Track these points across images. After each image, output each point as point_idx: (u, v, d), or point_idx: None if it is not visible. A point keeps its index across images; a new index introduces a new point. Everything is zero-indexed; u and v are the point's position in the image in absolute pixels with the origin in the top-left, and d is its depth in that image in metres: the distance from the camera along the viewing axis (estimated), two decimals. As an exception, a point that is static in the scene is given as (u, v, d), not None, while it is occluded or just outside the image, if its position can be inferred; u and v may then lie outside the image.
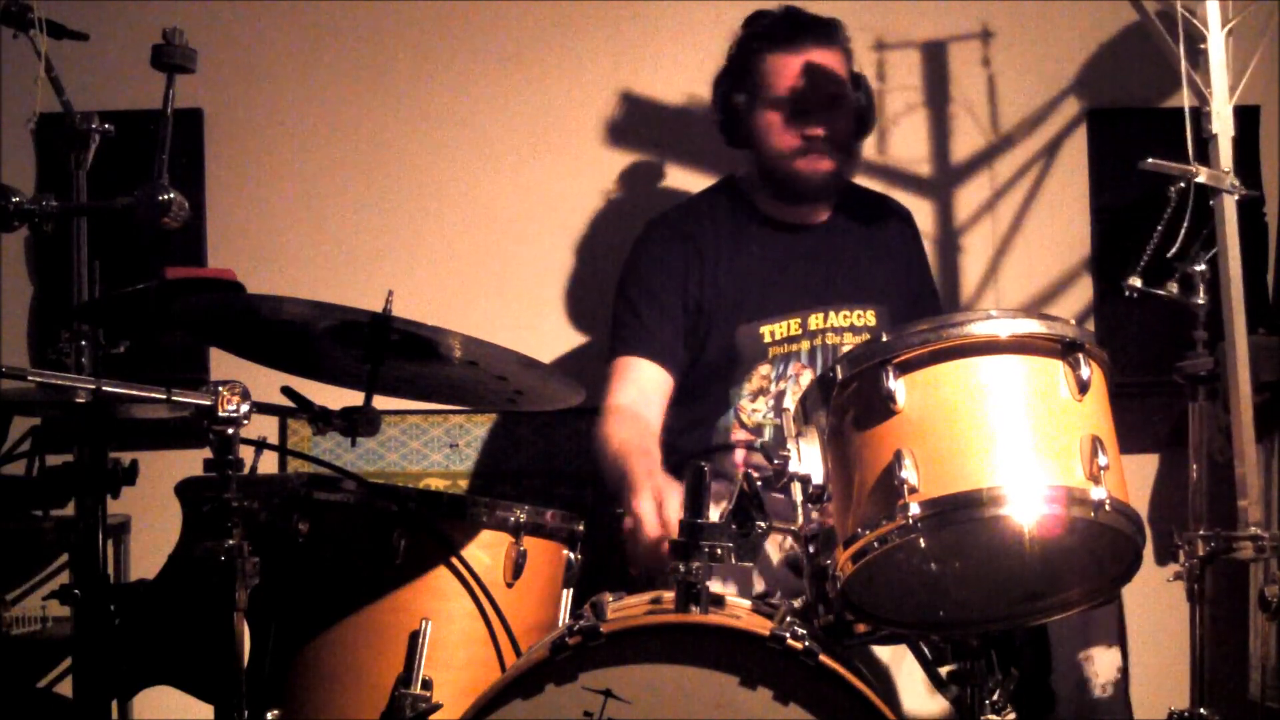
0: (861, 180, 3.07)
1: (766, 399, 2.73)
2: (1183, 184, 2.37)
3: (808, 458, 1.92)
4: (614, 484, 2.48)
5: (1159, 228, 2.39)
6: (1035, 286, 3.33)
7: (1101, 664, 2.31)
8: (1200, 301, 2.43)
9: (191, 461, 1.93)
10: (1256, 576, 2.68)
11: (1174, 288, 2.44)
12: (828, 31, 2.75)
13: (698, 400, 2.76)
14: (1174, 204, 2.37)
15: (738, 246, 2.79)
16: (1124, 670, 2.35)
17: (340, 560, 2.13)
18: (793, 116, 2.71)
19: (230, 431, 1.77)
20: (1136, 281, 2.41)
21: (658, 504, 2.25)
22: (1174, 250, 2.41)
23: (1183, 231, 2.38)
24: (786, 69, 2.71)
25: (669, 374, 2.74)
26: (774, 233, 2.81)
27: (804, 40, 2.72)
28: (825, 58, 2.71)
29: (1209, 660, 2.41)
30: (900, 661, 2.31)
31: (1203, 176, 2.37)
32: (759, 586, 2.36)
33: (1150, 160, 2.37)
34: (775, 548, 2.42)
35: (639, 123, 3.29)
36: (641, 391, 2.70)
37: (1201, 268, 2.42)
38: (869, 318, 2.77)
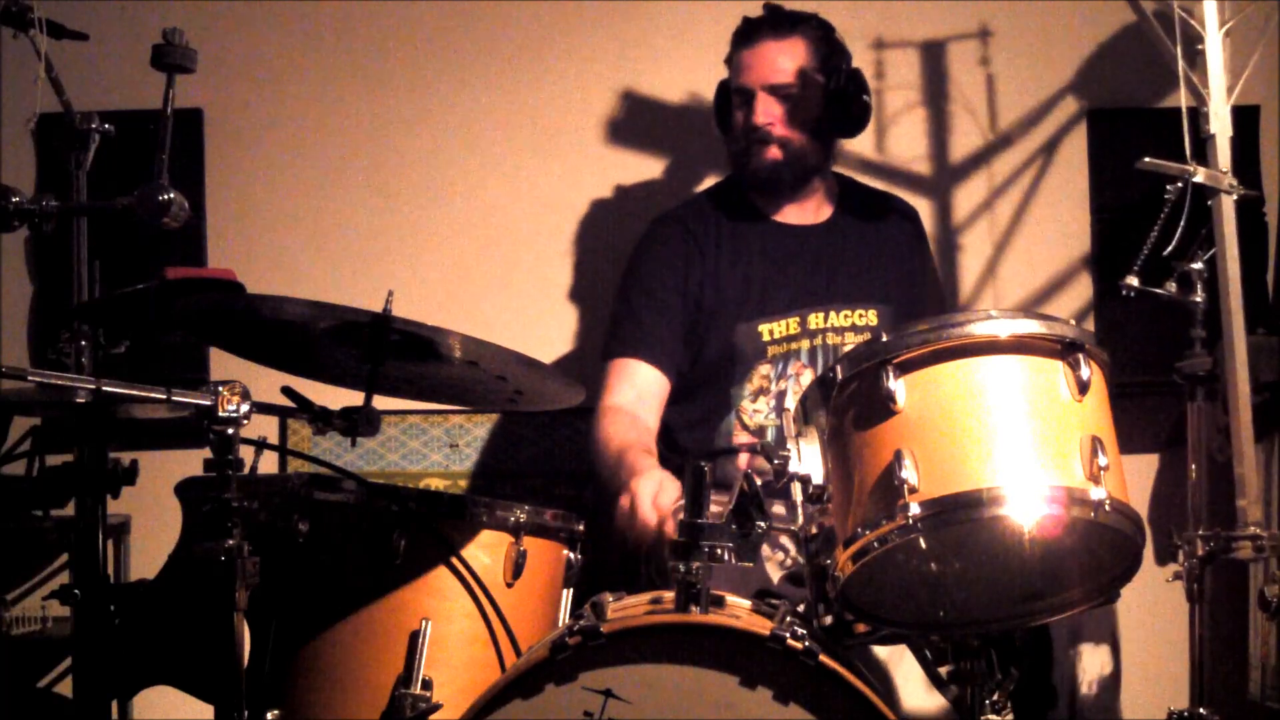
0: (859, 179, 3.07)
1: (767, 399, 2.73)
2: (1180, 184, 2.37)
3: (808, 458, 1.92)
4: (611, 477, 2.48)
5: (1156, 227, 2.39)
6: (1034, 286, 3.33)
7: (1089, 661, 2.31)
8: (1198, 300, 2.43)
9: (191, 461, 1.93)
10: (1256, 576, 2.69)
11: (1172, 286, 2.44)
12: (783, 23, 2.77)
13: (699, 401, 2.76)
14: (1172, 203, 2.37)
15: (739, 245, 2.79)
16: (1115, 671, 2.34)
17: (340, 560, 2.13)
18: (743, 108, 2.75)
19: (230, 431, 1.77)
20: (1134, 281, 2.41)
21: (656, 489, 2.25)
22: (1171, 249, 2.41)
23: (1179, 230, 2.39)
24: (742, 63, 2.77)
25: (666, 377, 2.74)
26: (775, 232, 2.81)
27: (760, 34, 2.76)
28: (778, 49, 2.74)
29: (1209, 660, 2.41)
30: (900, 661, 2.31)
31: (1200, 176, 2.37)
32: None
33: (1148, 159, 2.38)
34: (775, 566, 2.42)
35: (640, 122, 3.29)
36: (638, 394, 2.70)
37: (1199, 266, 2.42)
38: (870, 317, 2.77)
